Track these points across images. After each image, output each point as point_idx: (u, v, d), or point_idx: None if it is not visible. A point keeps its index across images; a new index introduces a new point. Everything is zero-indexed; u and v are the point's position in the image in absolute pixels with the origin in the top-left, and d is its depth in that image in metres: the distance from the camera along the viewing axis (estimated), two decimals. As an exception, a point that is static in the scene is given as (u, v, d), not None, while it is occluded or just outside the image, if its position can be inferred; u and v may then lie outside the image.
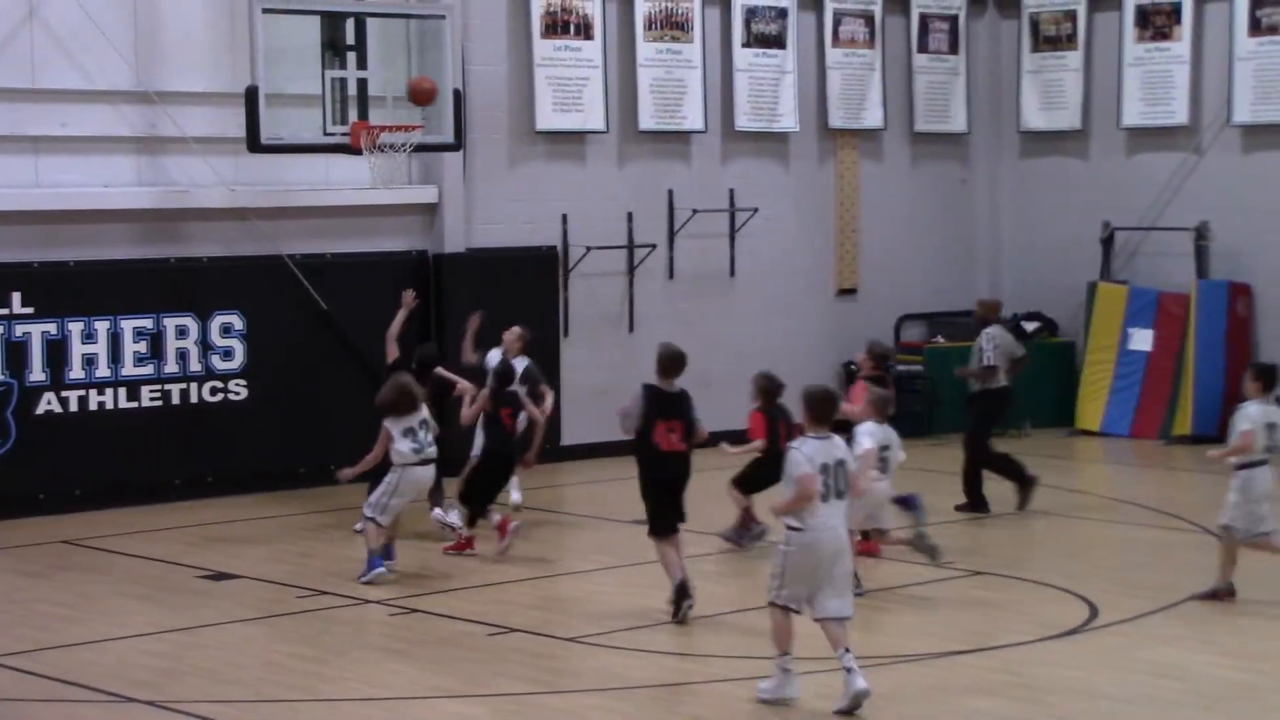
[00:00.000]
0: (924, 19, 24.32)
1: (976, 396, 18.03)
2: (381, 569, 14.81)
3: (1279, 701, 11.40)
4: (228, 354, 18.99)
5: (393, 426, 14.80)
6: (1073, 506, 18.32)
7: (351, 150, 18.49)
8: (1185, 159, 23.16)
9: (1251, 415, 13.77)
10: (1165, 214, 23.27)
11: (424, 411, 15.10)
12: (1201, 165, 23.05)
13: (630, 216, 21.79)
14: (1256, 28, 22.42)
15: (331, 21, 18.65)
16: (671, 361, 13.64)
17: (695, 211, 22.12)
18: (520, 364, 16.86)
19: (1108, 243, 23.60)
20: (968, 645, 12.61)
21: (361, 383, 18.17)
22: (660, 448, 13.42)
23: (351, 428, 17.09)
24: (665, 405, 13.48)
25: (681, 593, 13.32)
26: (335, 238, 19.83)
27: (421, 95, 15.08)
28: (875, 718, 10.97)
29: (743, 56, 22.66)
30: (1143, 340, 22.94)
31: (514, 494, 17.54)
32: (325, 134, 18.50)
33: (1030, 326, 24.04)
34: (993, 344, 17.91)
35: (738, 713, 11.09)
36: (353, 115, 18.57)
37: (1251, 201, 22.52)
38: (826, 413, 11.37)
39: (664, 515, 13.52)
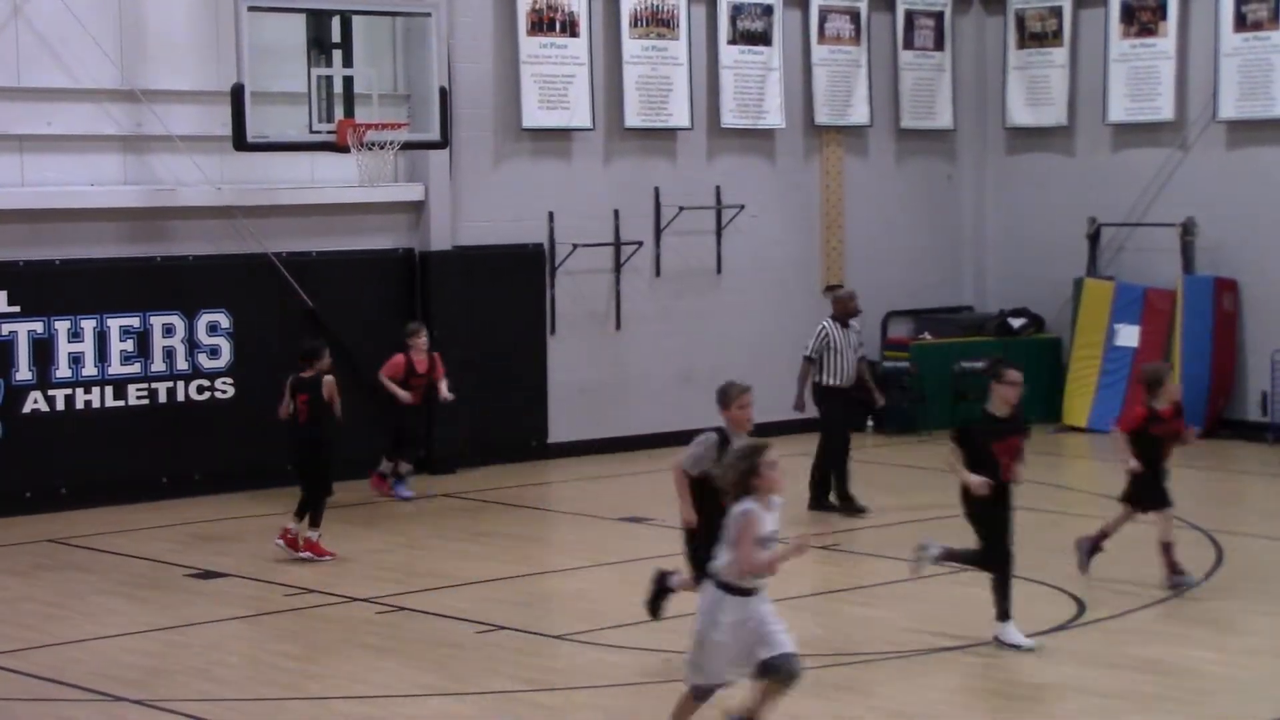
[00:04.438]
0: (910, 15, 24.32)
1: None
2: None
3: (1264, 696, 11.42)
4: (214, 352, 18.98)
5: None
6: (1059, 502, 18.32)
7: (337, 148, 18.50)
8: (1171, 155, 23.18)
9: None
10: (1151, 210, 23.29)
11: None
12: (1187, 161, 23.07)
13: (616, 214, 21.77)
14: (1242, 23, 22.42)
15: (317, 19, 18.65)
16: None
17: (681, 209, 22.10)
18: None
19: (1094, 239, 23.61)
20: (955, 641, 12.61)
21: (347, 380, 18.14)
22: None
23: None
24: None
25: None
26: (321, 236, 19.81)
27: None
28: (864, 714, 10.98)
29: (728, 53, 22.66)
30: (1129, 336, 22.94)
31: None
32: (311, 132, 18.51)
33: (1017, 323, 24.06)
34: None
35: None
36: (339, 113, 18.60)
37: (1237, 197, 22.54)
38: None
39: None
